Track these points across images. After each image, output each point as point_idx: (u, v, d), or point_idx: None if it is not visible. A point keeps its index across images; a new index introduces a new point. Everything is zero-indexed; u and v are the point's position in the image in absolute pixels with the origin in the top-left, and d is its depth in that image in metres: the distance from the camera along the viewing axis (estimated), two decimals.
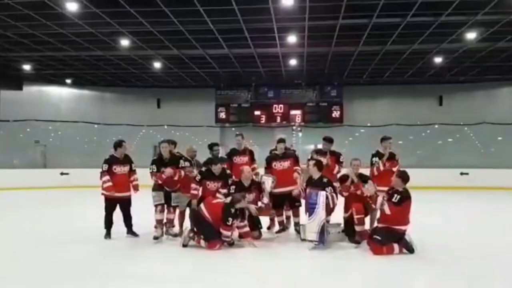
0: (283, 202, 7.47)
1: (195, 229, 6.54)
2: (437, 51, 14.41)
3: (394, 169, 7.13)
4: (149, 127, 20.06)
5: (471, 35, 12.62)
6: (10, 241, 7.15)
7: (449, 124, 18.36)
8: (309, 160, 7.29)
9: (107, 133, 17.96)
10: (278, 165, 7.45)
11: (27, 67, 17.25)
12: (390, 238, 5.99)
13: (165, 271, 5.32)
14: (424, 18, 11.46)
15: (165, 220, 7.08)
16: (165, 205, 7.04)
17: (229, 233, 6.35)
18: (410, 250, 6.02)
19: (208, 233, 6.30)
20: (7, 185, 15.83)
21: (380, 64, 16.30)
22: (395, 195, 6.03)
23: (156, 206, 6.97)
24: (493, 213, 10.82)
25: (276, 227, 7.69)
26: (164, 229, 7.10)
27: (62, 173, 17.39)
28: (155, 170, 6.97)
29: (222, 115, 19.67)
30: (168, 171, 6.88)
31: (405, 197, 6.04)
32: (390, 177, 6.64)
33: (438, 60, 15.55)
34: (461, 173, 16.97)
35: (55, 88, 20.24)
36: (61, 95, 20.40)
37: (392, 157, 7.33)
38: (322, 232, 6.31)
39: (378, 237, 6.00)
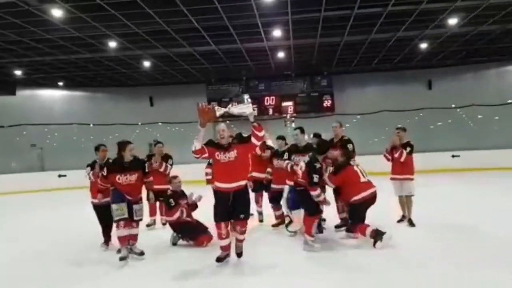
0: (280, 198, 7.57)
1: (180, 235, 6.77)
2: (421, 37, 14.56)
3: (396, 155, 7.41)
4: (143, 125, 20.30)
5: (452, 21, 12.78)
6: (13, 245, 7.43)
7: (438, 107, 18.56)
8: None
9: (102, 133, 18.12)
10: (276, 163, 7.63)
11: (18, 72, 17.38)
12: (358, 215, 6.27)
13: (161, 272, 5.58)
14: (404, 7, 11.61)
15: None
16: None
17: (172, 218, 6.63)
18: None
19: (192, 233, 6.54)
20: (6, 190, 16.11)
21: (367, 53, 16.46)
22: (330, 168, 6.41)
23: (118, 221, 5.96)
24: (483, 194, 11.09)
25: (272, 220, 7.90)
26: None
27: (60, 175, 17.62)
28: (105, 173, 6.07)
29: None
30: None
31: (341, 166, 6.40)
32: (400, 165, 7.38)
33: (423, 46, 15.71)
34: (453, 156, 17.25)
35: (48, 91, 20.36)
36: (54, 97, 20.54)
37: (395, 147, 7.51)
38: (319, 224, 6.65)
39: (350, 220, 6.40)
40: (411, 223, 7.34)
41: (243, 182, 5.42)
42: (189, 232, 6.61)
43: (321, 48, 15.56)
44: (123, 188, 5.96)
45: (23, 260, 6.31)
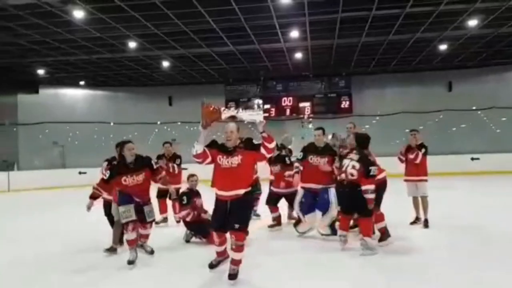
0: (278, 200, 7.74)
1: (193, 232, 6.88)
2: (440, 39, 14.43)
3: (411, 156, 7.45)
4: (162, 124, 20.61)
5: (472, 22, 12.66)
6: (34, 242, 7.54)
7: (458, 110, 18.33)
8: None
9: (122, 132, 18.42)
10: (272, 169, 7.81)
11: (41, 71, 17.85)
12: (377, 195, 5.94)
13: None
14: (423, 8, 11.54)
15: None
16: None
17: (184, 213, 6.68)
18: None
19: (205, 231, 6.64)
20: (29, 186, 16.54)
21: (386, 54, 16.39)
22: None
23: (126, 224, 5.67)
24: (502, 197, 10.90)
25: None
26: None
27: (80, 172, 17.96)
28: (107, 177, 5.73)
29: (232, 110, 19.87)
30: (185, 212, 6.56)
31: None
32: (414, 166, 7.45)
33: (443, 47, 15.57)
34: (472, 158, 17.04)
35: (70, 90, 20.85)
36: (76, 96, 21.02)
37: (410, 148, 7.56)
38: (333, 226, 6.60)
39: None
40: (426, 225, 7.30)
41: (241, 191, 4.82)
42: (202, 230, 6.70)
43: (339, 49, 15.55)
44: (131, 189, 5.67)
45: (38, 258, 6.34)
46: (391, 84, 19.98)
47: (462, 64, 18.58)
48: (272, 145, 4.78)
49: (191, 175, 7.10)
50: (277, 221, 7.77)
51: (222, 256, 5.28)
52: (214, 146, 4.97)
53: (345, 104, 19.45)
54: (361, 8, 11.57)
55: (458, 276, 4.82)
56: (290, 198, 7.46)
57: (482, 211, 8.87)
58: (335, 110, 19.34)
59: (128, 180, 5.63)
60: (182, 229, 7.09)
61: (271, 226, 7.75)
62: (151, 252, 6.00)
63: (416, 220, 7.57)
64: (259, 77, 19.48)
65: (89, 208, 5.95)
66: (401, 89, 19.86)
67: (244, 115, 4.83)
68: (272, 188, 7.82)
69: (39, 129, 19.60)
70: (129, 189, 5.66)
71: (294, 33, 13.46)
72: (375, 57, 17.02)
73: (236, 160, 4.82)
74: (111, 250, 6.26)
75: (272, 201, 7.76)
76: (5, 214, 11.29)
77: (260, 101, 5.14)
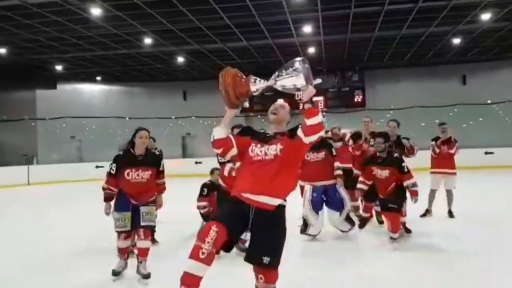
0: None
1: None
2: (454, 32, 14.41)
3: (451, 151, 7.64)
4: (177, 119, 20.88)
5: (485, 16, 12.63)
6: (49, 237, 7.78)
7: (472, 104, 18.24)
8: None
9: (137, 126, 18.65)
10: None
11: (59, 67, 18.22)
12: (402, 199, 5.92)
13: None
14: (436, 3, 11.56)
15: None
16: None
17: (201, 204, 6.34)
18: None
19: None
20: (46, 180, 16.97)
21: (399, 48, 16.40)
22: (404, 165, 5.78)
23: (118, 233, 4.72)
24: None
25: None
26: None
27: (97, 166, 18.32)
28: (114, 171, 4.74)
29: (246, 104, 20.10)
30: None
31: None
32: (448, 160, 7.65)
33: (456, 41, 15.52)
34: (486, 153, 16.97)
35: (87, 85, 21.28)
36: (93, 92, 21.44)
37: (447, 141, 7.70)
38: (349, 218, 6.49)
39: (394, 206, 5.72)
40: (452, 215, 7.52)
41: (274, 201, 3.00)
42: None
43: (352, 43, 15.61)
44: (132, 187, 4.68)
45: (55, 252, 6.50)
46: (405, 78, 19.94)
47: (476, 58, 18.49)
48: (313, 121, 2.98)
49: (216, 169, 6.56)
50: None
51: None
52: (247, 133, 3.49)
53: (358, 98, 19.51)
54: (374, 3, 11.64)
55: (473, 272, 4.89)
56: None
57: (497, 205, 8.89)
58: (349, 104, 19.43)
59: (132, 175, 4.67)
60: (199, 221, 7.14)
61: None
62: (147, 276, 4.58)
63: (426, 213, 7.67)
64: (273, 71, 19.46)
65: (108, 213, 4.81)
66: (415, 83, 19.80)
67: (285, 81, 3.10)
68: None
69: (57, 123, 20.04)
70: (129, 186, 4.69)
71: (307, 28, 13.57)
72: (388, 51, 17.04)
73: (273, 149, 3.11)
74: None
75: None
76: (26, 207, 11.68)
77: (303, 59, 2.79)
